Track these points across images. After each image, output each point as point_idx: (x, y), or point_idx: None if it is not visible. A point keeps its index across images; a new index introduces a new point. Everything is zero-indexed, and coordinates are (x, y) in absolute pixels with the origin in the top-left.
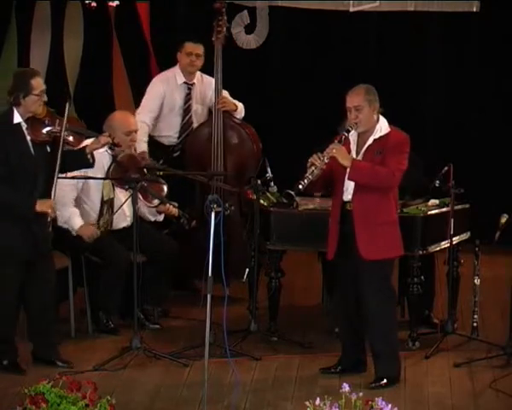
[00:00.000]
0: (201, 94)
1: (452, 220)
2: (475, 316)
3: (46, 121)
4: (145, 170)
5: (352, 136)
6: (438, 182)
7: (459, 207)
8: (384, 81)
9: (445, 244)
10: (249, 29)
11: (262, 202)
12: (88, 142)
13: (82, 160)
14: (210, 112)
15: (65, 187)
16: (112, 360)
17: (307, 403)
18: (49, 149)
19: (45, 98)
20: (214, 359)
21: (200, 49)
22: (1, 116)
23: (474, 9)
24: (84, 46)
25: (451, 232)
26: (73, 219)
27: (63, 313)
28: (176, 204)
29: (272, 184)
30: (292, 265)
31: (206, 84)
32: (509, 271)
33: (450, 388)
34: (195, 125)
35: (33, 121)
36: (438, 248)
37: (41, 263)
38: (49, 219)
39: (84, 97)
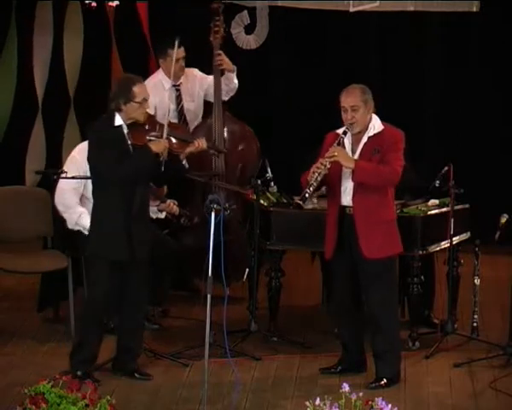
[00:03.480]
0: (189, 90)
1: (452, 220)
2: (475, 316)
3: (147, 126)
4: None
5: (346, 135)
6: (438, 182)
7: (459, 207)
8: (384, 81)
9: (444, 244)
10: (249, 29)
11: (262, 202)
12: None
13: (178, 166)
14: (205, 109)
15: (68, 192)
16: (112, 360)
17: (307, 403)
18: None
19: (148, 107)
20: (214, 359)
21: (183, 50)
22: (103, 120)
23: (474, 9)
24: (84, 46)
25: (451, 232)
26: (84, 219)
27: (63, 313)
28: (176, 202)
29: (272, 184)
30: (292, 265)
31: (190, 77)
32: (509, 271)
33: (450, 388)
34: (190, 123)
35: (134, 126)
36: (438, 248)
37: (135, 269)
38: (161, 158)
39: (84, 97)
